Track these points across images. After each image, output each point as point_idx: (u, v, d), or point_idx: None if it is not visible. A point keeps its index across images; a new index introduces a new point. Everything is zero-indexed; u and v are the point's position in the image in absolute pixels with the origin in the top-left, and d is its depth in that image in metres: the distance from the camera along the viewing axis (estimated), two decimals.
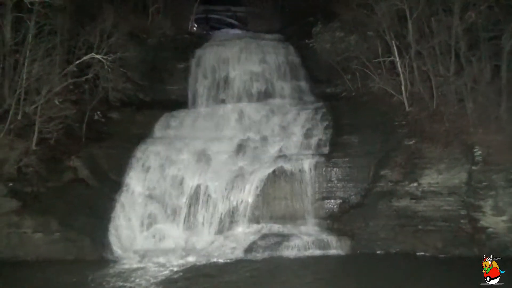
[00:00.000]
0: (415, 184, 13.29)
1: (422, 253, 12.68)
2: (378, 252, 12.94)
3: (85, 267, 11.86)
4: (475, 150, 13.07)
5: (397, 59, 15.75)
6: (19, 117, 13.84)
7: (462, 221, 12.64)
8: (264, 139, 15.96)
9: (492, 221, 12.32)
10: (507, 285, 8.17)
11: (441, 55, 14.99)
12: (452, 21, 14.46)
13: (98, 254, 12.71)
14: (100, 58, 15.22)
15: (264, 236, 13.27)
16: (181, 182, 14.45)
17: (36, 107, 13.88)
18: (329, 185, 14.27)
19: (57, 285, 10.44)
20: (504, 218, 12.24)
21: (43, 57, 14.50)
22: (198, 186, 14.29)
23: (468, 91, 14.05)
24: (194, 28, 26.35)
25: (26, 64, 13.95)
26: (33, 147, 13.62)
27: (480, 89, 13.91)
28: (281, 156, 14.97)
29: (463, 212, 12.69)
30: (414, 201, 13.15)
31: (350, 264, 12.37)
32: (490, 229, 12.30)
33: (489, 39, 14.26)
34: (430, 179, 13.29)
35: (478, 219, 12.48)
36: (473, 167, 12.90)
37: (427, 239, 12.78)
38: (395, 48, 15.77)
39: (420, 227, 12.90)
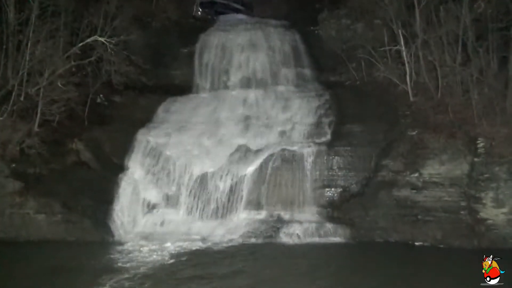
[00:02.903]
0: (416, 175, 13.24)
1: (421, 243, 12.70)
2: (377, 241, 12.99)
3: (86, 248, 12.07)
4: (478, 142, 12.98)
5: (403, 48, 15.54)
6: (22, 99, 13.87)
7: (462, 212, 12.61)
8: (266, 126, 15.91)
9: (492, 213, 12.30)
10: (507, 285, 8.15)
11: (448, 45, 14.78)
12: (460, 11, 14.22)
13: (100, 236, 12.89)
14: (104, 41, 15.14)
15: (263, 222, 13.34)
16: (182, 167, 14.49)
17: (39, 89, 13.87)
18: (330, 173, 14.23)
19: (58, 265, 10.56)
20: (504, 210, 12.21)
21: (46, 38, 14.45)
22: (199, 172, 14.33)
23: (474, 82, 13.89)
24: (199, 13, 25.94)
25: (29, 45, 13.91)
26: (36, 129, 13.67)
27: (486, 81, 13.74)
28: (283, 143, 14.93)
29: (463, 203, 12.65)
30: (414, 191, 13.11)
31: (348, 253, 12.42)
32: (490, 221, 12.28)
33: (497, 29, 14.03)
34: (432, 169, 13.22)
35: (478, 210, 12.45)
36: (476, 159, 12.81)
37: (426, 229, 12.78)
38: (401, 37, 15.54)
39: (420, 217, 12.88)
